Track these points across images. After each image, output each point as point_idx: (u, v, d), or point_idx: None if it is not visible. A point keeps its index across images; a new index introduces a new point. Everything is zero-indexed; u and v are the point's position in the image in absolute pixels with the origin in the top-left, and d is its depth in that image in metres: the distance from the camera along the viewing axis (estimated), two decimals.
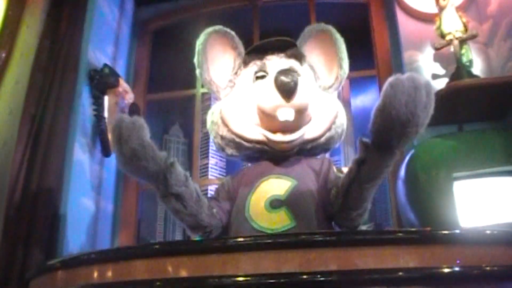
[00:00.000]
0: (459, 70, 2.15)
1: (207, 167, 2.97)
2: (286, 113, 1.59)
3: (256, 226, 1.51)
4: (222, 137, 1.74)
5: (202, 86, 2.98)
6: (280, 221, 1.51)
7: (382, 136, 1.25)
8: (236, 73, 1.84)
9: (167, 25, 3.20)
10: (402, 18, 2.58)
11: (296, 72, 1.67)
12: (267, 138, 1.65)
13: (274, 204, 1.54)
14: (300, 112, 1.61)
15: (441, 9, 2.29)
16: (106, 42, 2.69)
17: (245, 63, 1.84)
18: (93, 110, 2.38)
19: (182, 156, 3.13)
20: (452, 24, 2.23)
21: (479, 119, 2.21)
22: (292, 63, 1.81)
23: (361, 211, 1.45)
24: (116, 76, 2.47)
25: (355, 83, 3.04)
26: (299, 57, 1.86)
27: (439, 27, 2.28)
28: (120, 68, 2.80)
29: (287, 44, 1.85)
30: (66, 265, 1.18)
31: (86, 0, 2.48)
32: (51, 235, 2.01)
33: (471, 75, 2.14)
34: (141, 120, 1.37)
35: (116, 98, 2.43)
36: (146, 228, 3.10)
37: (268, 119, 1.62)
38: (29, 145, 2.06)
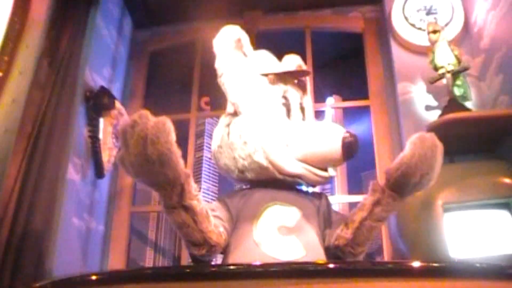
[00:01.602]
0: (451, 102, 2.18)
1: (200, 192, 2.99)
2: (333, 171, 1.64)
3: (268, 252, 1.46)
4: (254, 162, 1.64)
5: (198, 110, 3.01)
6: (291, 249, 1.49)
7: (402, 182, 1.36)
8: (253, 86, 1.73)
9: (164, 48, 3.22)
10: (396, 50, 2.61)
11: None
12: (314, 174, 1.65)
13: (284, 231, 1.52)
14: None
15: (433, 43, 2.33)
16: (103, 64, 2.71)
17: (270, 81, 1.75)
18: (88, 131, 2.39)
19: None
20: (445, 57, 2.27)
21: (470, 151, 2.24)
22: (300, 94, 1.82)
23: (364, 249, 1.46)
24: (112, 98, 2.49)
25: (348, 112, 3.07)
26: (304, 89, 1.88)
27: (432, 61, 2.31)
28: (116, 89, 2.82)
29: (303, 74, 1.87)
30: (57, 286, 1.18)
31: (85, 21, 2.50)
32: (41, 255, 2.00)
33: (463, 108, 2.16)
34: (169, 122, 1.26)
35: (111, 120, 2.45)
36: (136, 249, 3.08)
37: (314, 161, 1.63)
38: (23, 163, 2.06)
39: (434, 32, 2.33)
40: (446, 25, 2.53)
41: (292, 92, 1.77)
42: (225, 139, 1.71)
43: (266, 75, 1.75)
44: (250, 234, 1.51)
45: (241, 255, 1.47)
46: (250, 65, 1.76)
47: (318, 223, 1.61)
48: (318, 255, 1.50)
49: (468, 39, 2.56)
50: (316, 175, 1.62)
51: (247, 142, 1.63)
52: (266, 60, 1.83)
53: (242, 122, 1.68)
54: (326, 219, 1.62)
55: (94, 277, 1.11)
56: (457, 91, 2.28)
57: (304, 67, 1.92)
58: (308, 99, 1.89)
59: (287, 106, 1.74)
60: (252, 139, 1.63)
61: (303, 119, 1.80)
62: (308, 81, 1.94)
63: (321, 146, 1.58)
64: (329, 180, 1.69)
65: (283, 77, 1.77)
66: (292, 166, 1.60)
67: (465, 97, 2.29)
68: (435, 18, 2.55)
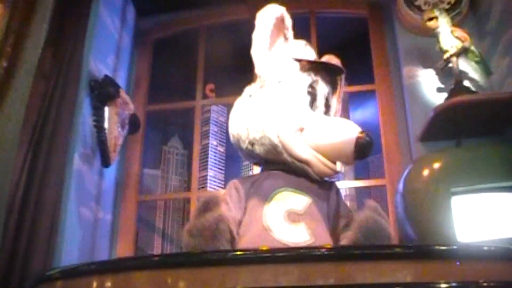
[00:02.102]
0: (458, 85, 2.16)
1: (206, 179, 2.98)
2: (342, 166, 1.63)
3: (277, 237, 1.48)
4: (265, 137, 1.64)
5: (203, 97, 3.00)
6: (300, 235, 1.50)
7: None
8: (285, 68, 1.74)
9: (168, 36, 3.20)
10: (401, 33, 2.60)
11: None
12: (323, 163, 1.65)
13: (293, 217, 1.53)
14: None
15: (432, 30, 2.31)
16: (107, 53, 2.71)
17: (301, 68, 1.75)
18: (93, 121, 2.39)
19: (181, 167, 3.14)
20: (448, 41, 2.25)
21: (477, 134, 2.22)
22: (329, 90, 1.82)
23: None
24: (117, 87, 2.48)
25: (354, 97, 3.06)
26: (334, 87, 1.88)
27: (439, 46, 2.29)
28: (121, 78, 2.81)
29: (336, 70, 1.86)
30: (66, 275, 1.18)
31: (88, 10, 2.49)
32: (50, 245, 2.01)
33: (470, 91, 2.15)
34: None
35: (116, 109, 2.44)
36: (144, 238, 3.09)
37: (324, 152, 1.63)
38: (29, 154, 2.06)
39: (430, 19, 2.31)
40: (452, 6, 2.51)
41: (321, 85, 1.77)
42: (244, 108, 1.73)
43: (299, 60, 1.75)
44: (260, 219, 1.52)
45: (251, 240, 1.48)
46: (287, 46, 1.76)
47: (328, 211, 1.62)
48: (325, 241, 1.51)
49: (475, 21, 2.53)
50: (325, 165, 1.62)
51: (264, 116, 1.64)
52: (302, 47, 1.84)
53: (263, 96, 1.70)
54: (335, 210, 1.63)
55: (101, 266, 1.11)
56: (476, 69, 2.27)
57: (342, 68, 1.92)
58: (336, 100, 1.89)
59: (313, 96, 1.74)
60: (268, 115, 1.63)
61: (327, 114, 1.81)
62: (342, 83, 1.94)
63: (335, 139, 1.58)
64: (336, 174, 1.69)
65: (315, 68, 1.77)
66: (302, 150, 1.61)
67: (487, 69, 2.28)
68: (440, 1, 2.53)
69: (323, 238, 1.51)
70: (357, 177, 2.66)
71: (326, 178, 1.76)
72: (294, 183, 1.62)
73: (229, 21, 3.02)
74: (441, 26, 2.27)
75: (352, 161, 1.63)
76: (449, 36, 2.24)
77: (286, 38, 1.76)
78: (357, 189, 2.73)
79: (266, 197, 1.58)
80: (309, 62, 1.77)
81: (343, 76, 1.92)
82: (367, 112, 3.01)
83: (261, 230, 1.50)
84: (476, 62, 2.30)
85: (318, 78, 1.76)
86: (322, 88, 1.77)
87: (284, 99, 1.66)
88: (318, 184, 1.68)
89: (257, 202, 1.58)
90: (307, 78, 1.74)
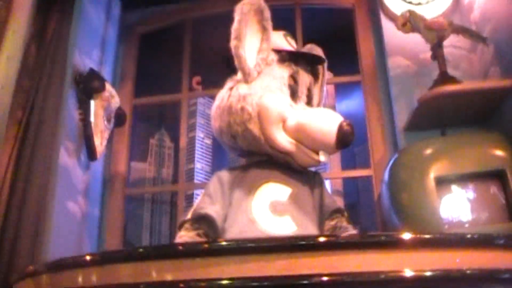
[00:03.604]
0: (442, 75, 2.17)
1: (193, 172, 2.97)
2: (325, 156, 1.63)
3: (262, 228, 1.49)
4: (247, 129, 1.65)
5: (189, 90, 3.00)
6: (285, 226, 1.51)
7: None
8: (264, 60, 1.73)
9: (154, 29, 3.19)
10: (386, 24, 2.60)
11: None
12: (305, 154, 1.65)
13: (278, 208, 1.55)
14: None
15: (408, 32, 2.32)
16: (92, 46, 2.69)
17: (280, 58, 1.76)
18: (79, 115, 2.38)
19: (168, 160, 3.12)
20: (427, 35, 2.24)
21: (462, 123, 2.24)
22: (311, 80, 1.83)
23: None
24: (102, 80, 2.47)
25: (341, 88, 3.06)
26: (316, 76, 1.88)
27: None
28: (107, 72, 2.80)
29: (317, 60, 1.87)
30: (51, 269, 1.18)
31: (73, 4, 2.48)
32: (36, 240, 2.00)
33: (454, 80, 2.16)
34: None
35: (102, 102, 2.43)
36: (132, 232, 3.09)
37: (307, 142, 1.63)
38: (15, 149, 2.06)
39: (404, 24, 2.31)
40: None
41: (302, 76, 1.78)
42: (225, 101, 1.72)
43: (279, 51, 1.75)
44: (245, 212, 1.53)
45: (237, 232, 1.49)
46: (266, 38, 1.75)
47: (312, 202, 1.63)
48: (311, 231, 1.52)
49: (459, 12, 2.54)
50: (308, 155, 1.63)
51: (244, 109, 1.64)
52: (283, 39, 1.84)
53: (243, 88, 1.69)
54: (319, 200, 1.64)
55: (86, 258, 1.11)
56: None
57: (323, 57, 1.92)
58: (319, 89, 1.90)
59: (294, 87, 1.74)
60: (249, 107, 1.63)
61: (309, 104, 1.81)
62: (325, 72, 1.94)
63: (316, 129, 1.59)
64: (320, 164, 1.70)
65: (295, 58, 1.78)
66: (284, 142, 1.61)
67: (480, 37, 2.27)
68: None
69: (308, 228, 1.52)
70: (343, 168, 2.66)
71: (312, 169, 1.77)
72: (278, 175, 1.63)
73: (215, 13, 3.01)
74: (416, 25, 2.27)
75: (334, 151, 1.64)
76: (425, 31, 2.24)
77: (265, 30, 1.76)
78: (344, 180, 2.74)
79: (250, 190, 1.59)
80: (289, 52, 1.77)
81: (325, 65, 1.92)
82: (353, 103, 3.02)
83: (247, 222, 1.51)
84: (468, 36, 2.29)
85: (299, 69, 1.77)
86: (304, 78, 1.77)
87: (264, 91, 1.66)
88: (302, 174, 1.69)
89: (242, 195, 1.59)
90: (288, 69, 1.74)
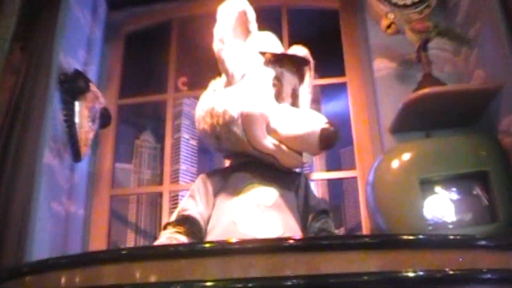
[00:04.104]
0: (426, 77, 2.18)
1: (178, 173, 2.97)
2: (308, 158, 1.64)
3: (245, 230, 1.50)
4: (230, 131, 1.66)
5: (175, 90, 2.99)
6: (268, 227, 1.51)
7: None
8: (249, 62, 1.75)
9: (140, 29, 3.18)
10: (372, 26, 2.61)
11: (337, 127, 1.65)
12: (288, 155, 1.65)
13: (261, 210, 1.55)
14: None
15: (393, 34, 2.34)
16: (78, 46, 2.68)
17: (266, 60, 1.77)
18: (63, 115, 2.37)
19: (153, 161, 3.12)
20: (412, 37, 2.26)
21: (447, 126, 2.25)
22: (296, 81, 1.86)
23: None
24: (87, 81, 2.46)
25: (326, 89, 3.07)
26: (302, 78, 1.89)
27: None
28: (92, 72, 2.79)
29: (301, 61, 1.89)
30: (34, 270, 1.17)
31: (58, 3, 2.46)
32: (20, 241, 1.99)
33: (438, 82, 2.17)
34: None
35: (87, 103, 2.42)
36: (117, 233, 3.08)
37: (290, 143, 1.63)
38: None
39: (388, 26, 2.32)
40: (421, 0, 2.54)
41: (287, 77, 1.79)
42: (208, 103, 1.73)
43: (263, 53, 1.75)
44: (228, 213, 1.54)
45: (219, 234, 1.50)
46: (250, 40, 1.76)
47: (297, 203, 1.64)
48: (294, 233, 1.52)
49: (443, 14, 2.56)
50: (291, 156, 1.63)
51: (228, 111, 1.64)
52: (267, 40, 1.84)
53: (227, 90, 1.71)
54: (304, 201, 1.64)
55: (70, 259, 1.11)
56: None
57: (308, 58, 1.93)
58: (305, 89, 1.91)
59: (278, 88, 1.75)
60: (232, 109, 1.64)
61: (295, 105, 1.81)
62: (311, 73, 1.96)
63: (300, 130, 1.60)
64: (304, 165, 1.70)
65: (280, 60, 1.79)
66: (268, 143, 1.62)
67: (466, 40, 2.28)
68: None
69: (292, 230, 1.53)
70: (329, 169, 2.67)
71: (297, 170, 1.78)
72: (263, 176, 1.64)
73: (202, 13, 3.01)
74: (401, 27, 2.28)
75: (318, 152, 1.65)
76: (410, 33, 2.25)
77: (249, 31, 1.76)
78: (329, 181, 2.75)
79: (234, 191, 1.59)
80: (273, 54, 1.78)
81: (312, 67, 1.93)
82: (339, 104, 3.03)
83: (229, 223, 1.51)
84: (453, 38, 2.31)
85: (284, 70, 1.78)
86: (288, 80, 1.78)
87: (248, 92, 1.66)
88: (287, 175, 1.70)
89: (226, 196, 1.59)
90: (272, 70, 1.75)
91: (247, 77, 1.72)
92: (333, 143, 1.59)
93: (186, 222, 1.53)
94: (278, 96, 1.74)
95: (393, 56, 2.50)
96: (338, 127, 1.60)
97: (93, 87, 2.48)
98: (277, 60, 1.78)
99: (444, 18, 2.52)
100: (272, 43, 1.86)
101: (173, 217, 1.59)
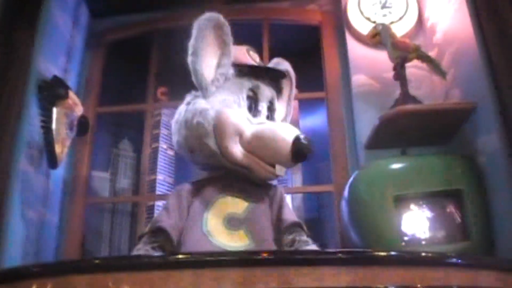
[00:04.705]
0: (403, 95, 2.21)
1: (155, 183, 2.95)
2: (281, 170, 1.65)
3: (216, 242, 1.51)
4: (204, 144, 1.67)
5: (154, 100, 2.99)
6: (239, 240, 1.52)
7: None
8: (223, 75, 1.76)
9: (121, 38, 3.17)
10: (351, 43, 2.64)
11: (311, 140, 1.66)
12: (262, 168, 1.66)
13: (233, 222, 1.56)
14: None
15: (376, 45, 2.37)
16: (58, 53, 2.66)
17: (240, 72, 1.79)
18: (41, 122, 2.35)
19: (130, 171, 3.10)
20: (393, 53, 2.29)
21: (422, 143, 2.28)
22: (273, 94, 1.85)
23: None
24: (66, 88, 2.45)
25: (305, 104, 3.09)
26: (279, 91, 1.90)
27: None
28: (72, 79, 2.77)
29: (278, 74, 1.89)
30: (5, 277, 1.16)
31: (39, 10, 2.46)
32: None
33: (415, 100, 2.20)
34: None
35: (65, 110, 2.40)
36: (91, 242, 3.05)
37: (269, 156, 1.64)
38: None
39: (373, 36, 2.36)
40: (400, 19, 2.58)
41: (263, 89, 1.79)
42: (182, 116, 1.74)
43: (238, 66, 1.77)
44: (199, 226, 1.55)
45: (190, 246, 1.51)
46: (225, 53, 1.77)
47: (271, 215, 1.64)
48: (265, 246, 1.53)
49: (422, 33, 2.60)
50: (265, 169, 1.64)
51: (200, 124, 1.65)
52: (243, 53, 1.86)
53: (201, 103, 1.71)
54: (278, 213, 1.65)
55: (41, 268, 1.10)
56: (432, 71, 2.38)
57: (287, 71, 1.94)
58: (286, 103, 1.92)
59: (254, 101, 1.76)
60: (205, 122, 1.65)
61: (271, 118, 1.83)
62: (292, 86, 1.97)
63: (272, 143, 1.61)
64: (276, 177, 1.71)
65: (255, 72, 1.80)
66: (240, 155, 1.63)
67: (442, 71, 2.31)
68: (389, 12, 2.59)
69: (263, 243, 1.53)
70: (305, 183, 2.68)
71: (274, 182, 1.79)
72: (236, 188, 1.65)
73: (183, 25, 2.99)
74: (384, 40, 2.31)
75: (290, 164, 1.66)
76: (391, 49, 2.28)
77: (225, 45, 1.77)
78: (305, 195, 2.76)
79: (207, 203, 1.60)
80: (249, 66, 1.80)
81: (293, 80, 1.95)
82: (317, 119, 3.05)
83: (200, 236, 1.52)
84: (430, 66, 2.35)
85: (259, 83, 1.79)
86: (265, 93, 1.79)
87: (221, 105, 1.68)
88: (261, 188, 1.70)
89: (198, 209, 1.60)
90: (247, 83, 1.76)
91: (222, 89, 1.73)
92: (306, 155, 1.60)
93: (160, 234, 1.53)
94: (253, 109, 1.75)
95: (371, 73, 2.53)
96: (311, 140, 1.62)
97: (72, 94, 2.46)
98: (253, 73, 1.79)
99: (423, 37, 2.56)
100: (248, 56, 1.87)
101: (147, 229, 1.59)
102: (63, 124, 2.39)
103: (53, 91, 2.38)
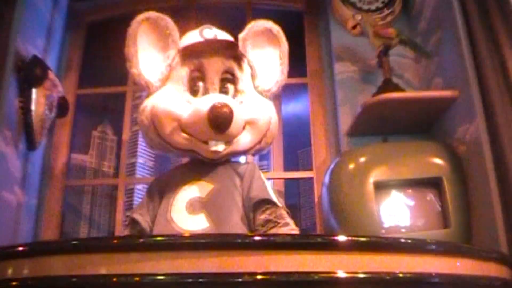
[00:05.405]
0: (386, 82, 2.21)
1: (135, 166, 2.93)
2: (216, 145, 1.63)
3: (176, 227, 1.53)
4: (151, 138, 1.75)
5: (135, 83, 2.96)
6: (198, 223, 1.53)
7: None
8: (169, 65, 1.78)
9: (103, 19, 3.12)
10: (335, 29, 2.63)
11: (231, 106, 1.61)
12: (200, 147, 1.66)
13: (195, 206, 1.57)
14: (232, 138, 1.67)
15: (357, 35, 2.37)
16: (37, 34, 2.62)
17: (182, 59, 1.79)
18: (19, 102, 2.31)
19: (110, 153, 3.07)
20: (375, 41, 2.29)
21: (404, 131, 2.29)
22: (230, 64, 1.81)
23: None
24: (45, 68, 2.41)
25: (286, 89, 3.08)
26: (239, 58, 1.85)
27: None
28: (51, 60, 2.73)
29: (228, 44, 1.85)
30: None
31: None
32: None
33: (398, 88, 2.20)
34: None
35: (44, 91, 2.37)
36: (70, 224, 3.03)
37: (197, 133, 1.63)
38: None
39: (354, 27, 2.36)
40: (386, 5, 2.57)
41: (212, 65, 1.77)
42: (138, 121, 1.82)
43: (179, 50, 1.79)
44: (165, 212, 1.60)
45: (157, 233, 1.55)
46: (167, 45, 1.80)
47: (242, 194, 1.64)
48: (227, 227, 1.53)
49: (407, 21, 2.60)
50: (201, 147, 1.65)
51: (142, 120, 1.74)
52: (195, 35, 1.84)
53: (145, 101, 1.79)
54: (247, 192, 1.65)
55: (17, 249, 1.09)
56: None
57: (228, 38, 1.90)
58: (246, 73, 1.89)
59: (200, 79, 1.75)
60: (145, 118, 1.73)
61: (235, 93, 1.81)
62: (279, 45, 1.99)
63: (194, 118, 1.61)
64: (218, 154, 1.68)
65: (197, 51, 1.78)
66: (180, 140, 1.66)
67: (426, 53, 2.32)
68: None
69: (224, 225, 1.53)
70: (286, 169, 2.67)
71: (248, 159, 1.81)
72: (203, 173, 1.69)
73: (165, 6, 2.97)
74: (365, 30, 2.31)
75: (214, 135, 1.62)
76: (373, 37, 2.27)
77: (165, 37, 1.80)
78: (286, 180, 2.74)
79: (174, 190, 1.65)
80: (184, 47, 1.79)
81: (278, 38, 1.92)
82: (298, 104, 3.04)
83: (165, 222, 1.58)
84: (413, 49, 2.35)
85: (202, 59, 1.76)
86: (214, 68, 1.76)
87: (159, 97, 1.72)
88: (230, 168, 1.71)
89: (166, 196, 1.65)
90: (189, 65, 1.77)
91: (168, 81, 1.77)
92: (223, 122, 1.57)
93: (134, 223, 1.58)
94: (202, 87, 1.74)
95: (354, 60, 2.53)
96: (230, 106, 1.59)
97: (51, 75, 2.43)
98: (193, 53, 1.78)
99: (408, 26, 2.56)
100: (200, 36, 1.84)
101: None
102: (42, 105, 2.35)
103: (32, 72, 2.35)
